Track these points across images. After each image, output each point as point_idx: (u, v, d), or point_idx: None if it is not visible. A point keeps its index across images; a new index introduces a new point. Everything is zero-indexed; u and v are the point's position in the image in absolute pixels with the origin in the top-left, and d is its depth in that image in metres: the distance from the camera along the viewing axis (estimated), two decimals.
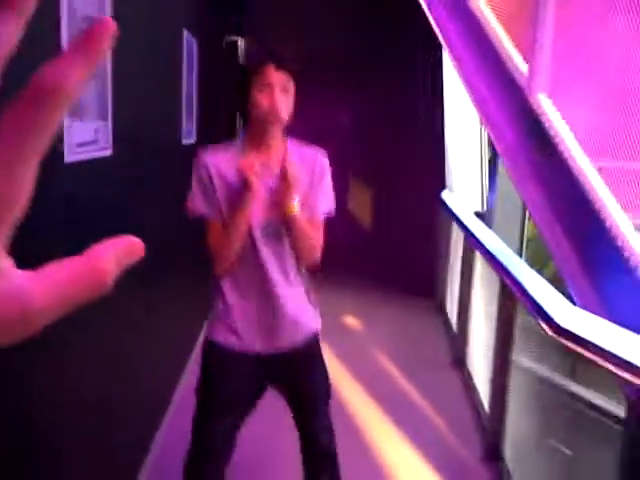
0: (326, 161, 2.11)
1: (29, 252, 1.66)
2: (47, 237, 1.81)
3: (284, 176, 1.95)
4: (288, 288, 2.09)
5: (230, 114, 5.89)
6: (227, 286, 2.10)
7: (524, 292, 2.52)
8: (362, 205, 7.21)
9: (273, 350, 2.13)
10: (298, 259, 2.08)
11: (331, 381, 2.27)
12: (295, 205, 1.96)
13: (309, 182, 2.05)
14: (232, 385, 2.13)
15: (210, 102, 4.76)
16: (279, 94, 1.95)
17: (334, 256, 6.48)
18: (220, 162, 2.03)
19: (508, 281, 2.85)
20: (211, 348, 2.16)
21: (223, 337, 2.12)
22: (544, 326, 2.19)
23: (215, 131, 5.18)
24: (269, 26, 6.67)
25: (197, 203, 2.05)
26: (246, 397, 2.18)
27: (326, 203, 2.10)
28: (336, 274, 6.19)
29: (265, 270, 2.04)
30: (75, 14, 1.90)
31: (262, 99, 1.96)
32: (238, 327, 2.09)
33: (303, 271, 2.15)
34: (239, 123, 6.15)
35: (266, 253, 2.03)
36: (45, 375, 1.81)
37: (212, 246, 2.03)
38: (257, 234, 2.03)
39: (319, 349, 2.24)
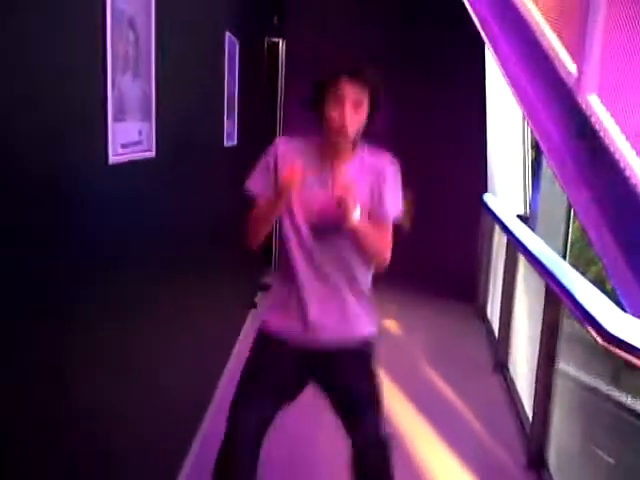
0: (392, 168, 2.12)
1: (71, 252, 1.66)
2: (90, 239, 1.82)
3: (341, 194, 1.95)
4: (344, 290, 2.13)
5: (270, 117, 5.89)
6: (285, 277, 2.15)
7: (572, 299, 2.45)
8: (403, 208, 7.14)
9: (319, 345, 2.14)
10: (365, 262, 2.14)
11: (381, 394, 2.21)
12: (354, 216, 1.96)
13: (370, 191, 2.07)
14: (275, 370, 2.16)
15: (251, 104, 4.76)
16: (350, 110, 1.95)
17: None
18: (291, 152, 2.10)
19: (555, 288, 2.78)
20: (261, 332, 2.22)
21: (274, 323, 2.18)
22: (594, 334, 2.13)
23: (256, 134, 5.18)
24: (310, 26, 6.66)
25: (253, 183, 2.12)
26: (287, 385, 2.19)
27: (393, 208, 2.13)
28: (376, 278, 6.13)
29: (321, 269, 2.09)
30: (122, 15, 1.90)
31: (333, 114, 1.97)
32: (290, 315, 2.14)
33: (364, 277, 2.18)
34: (279, 127, 6.15)
35: (321, 252, 2.08)
36: (82, 382, 1.82)
37: (247, 220, 2.11)
38: (304, 232, 2.09)
39: (368, 355, 2.21)
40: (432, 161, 6.73)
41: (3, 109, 1.31)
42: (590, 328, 2.19)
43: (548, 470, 3.06)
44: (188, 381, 3.06)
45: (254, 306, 5.27)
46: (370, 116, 2.02)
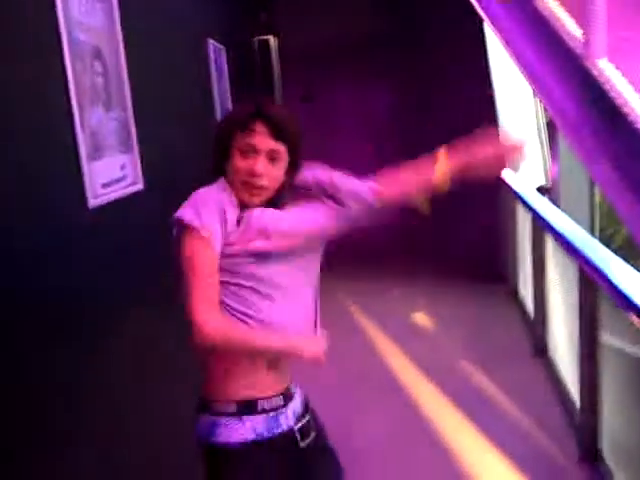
0: (309, 173, 1.76)
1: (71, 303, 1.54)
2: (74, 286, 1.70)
3: None
4: None
5: None
6: None
7: (610, 284, 2.27)
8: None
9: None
10: None
11: None
12: None
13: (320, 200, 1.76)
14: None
15: None
16: (264, 162, 1.59)
17: (399, 248, 6.30)
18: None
19: (589, 270, 2.60)
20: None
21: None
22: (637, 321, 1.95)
23: None
24: (300, 18, 6.51)
25: (209, 221, 1.55)
26: None
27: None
28: (402, 265, 6.03)
29: None
30: (82, 47, 1.75)
31: (240, 163, 1.59)
32: None
33: None
34: None
35: None
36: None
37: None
38: None
39: None
40: (445, 139, 6.55)
41: None
42: (635, 317, 2.01)
43: (605, 463, 2.87)
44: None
45: None
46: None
